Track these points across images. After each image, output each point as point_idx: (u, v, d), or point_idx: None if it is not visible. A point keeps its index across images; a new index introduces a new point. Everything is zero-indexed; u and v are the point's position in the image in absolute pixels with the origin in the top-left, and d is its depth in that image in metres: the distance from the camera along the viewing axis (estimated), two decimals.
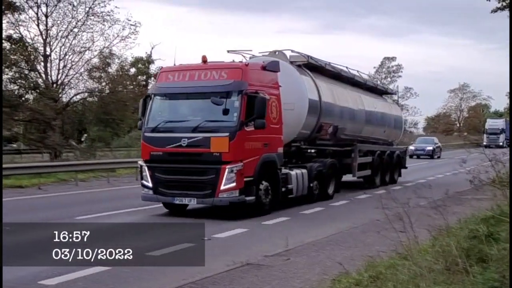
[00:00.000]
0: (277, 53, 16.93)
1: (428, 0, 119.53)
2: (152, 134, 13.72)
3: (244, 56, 16.40)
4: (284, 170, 15.16)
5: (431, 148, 46.42)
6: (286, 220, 13.37)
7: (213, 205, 13.30)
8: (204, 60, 14.00)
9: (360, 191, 19.55)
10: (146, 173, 13.70)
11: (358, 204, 16.69)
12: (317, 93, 17.04)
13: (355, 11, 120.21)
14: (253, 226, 12.33)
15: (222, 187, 12.95)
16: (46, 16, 33.76)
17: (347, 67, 20.19)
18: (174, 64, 14.41)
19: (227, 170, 12.91)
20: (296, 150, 16.64)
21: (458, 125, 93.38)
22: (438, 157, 46.37)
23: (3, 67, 30.50)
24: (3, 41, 31.11)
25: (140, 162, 13.87)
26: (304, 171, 15.99)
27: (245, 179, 13.13)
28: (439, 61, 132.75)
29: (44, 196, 18.58)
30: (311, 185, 16.12)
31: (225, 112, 13.13)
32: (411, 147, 46.86)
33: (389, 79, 75.70)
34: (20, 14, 33.10)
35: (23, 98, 34.05)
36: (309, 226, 12.64)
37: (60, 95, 34.58)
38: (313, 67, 17.83)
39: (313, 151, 17.43)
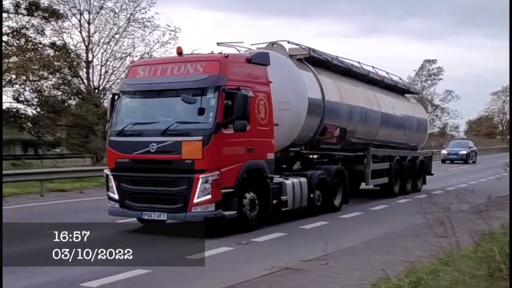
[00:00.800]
0: (274, 45, 14.93)
1: (468, 1, 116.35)
2: (117, 138, 11.85)
3: (237, 49, 14.49)
4: (277, 179, 13.14)
5: (465, 152, 43.57)
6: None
7: (185, 222, 11.34)
8: (179, 52, 12.09)
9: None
10: (112, 183, 11.83)
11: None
12: (320, 91, 14.97)
13: (395, 14, 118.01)
14: (291, 230, 12.10)
15: (195, 200, 10.99)
16: (89, 23, 34.71)
17: (359, 62, 18.03)
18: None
19: (200, 180, 10.94)
20: (295, 156, 14.59)
21: (500, 128, 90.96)
22: (474, 162, 43.64)
23: (46, 73, 32.04)
24: (47, 48, 32.96)
25: (106, 171, 12.01)
26: (304, 179, 13.94)
27: (223, 191, 11.15)
28: (480, 63, 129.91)
29: (85, 200, 18.58)
30: (312, 195, 14.05)
31: (201, 112, 11.18)
32: (444, 151, 44.24)
33: (429, 81, 74.12)
34: (64, 21, 34.01)
35: (66, 104, 34.56)
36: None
37: (101, 101, 34.62)
38: (318, 62, 15.79)
39: (316, 156, 15.35)
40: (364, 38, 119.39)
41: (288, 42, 15.17)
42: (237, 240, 10.82)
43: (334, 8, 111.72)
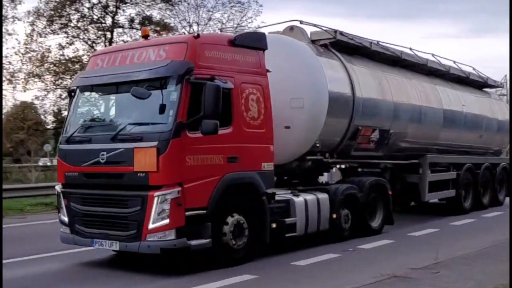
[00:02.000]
0: (292, 29, 12.03)
1: None
2: (66, 146, 9.40)
3: None
4: (281, 196, 10.28)
5: None
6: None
7: (139, 253, 8.66)
8: (145, 34, 9.51)
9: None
10: (62, 203, 9.42)
11: None
12: (350, 85, 11.89)
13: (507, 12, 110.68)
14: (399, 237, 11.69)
15: (150, 226, 8.32)
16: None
17: (410, 48, 14.66)
18: None
19: (155, 199, 8.28)
20: (313, 166, 11.61)
21: None
22: None
23: None
24: None
25: (57, 187, 9.59)
26: (323, 196, 10.96)
27: (188, 213, 8.41)
28: None
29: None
30: (335, 215, 11.03)
31: (159, 109, 8.56)
32: None
33: None
34: (174, 33, 33.32)
35: None
36: None
37: None
38: (353, 49, 12.73)
39: (343, 166, 12.31)
40: (475, 38, 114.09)
41: (315, 25, 12.26)
42: (343, 247, 10.54)
43: (441, 8, 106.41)
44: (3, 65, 28.26)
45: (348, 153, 12.17)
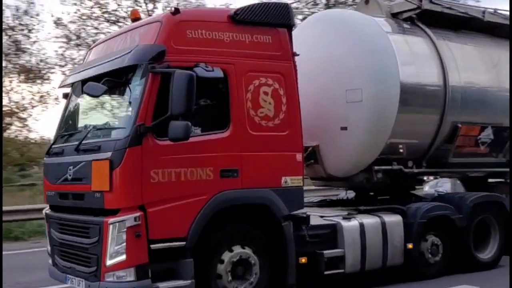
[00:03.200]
0: (368, 3, 9.38)
1: None
2: (47, 159, 7.76)
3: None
4: (326, 220, 7.75)
5: None
6: None
7: None
8: (134, 16, 7.58)
9: None
10: (46, 228, 7.83)
11: None
12: (440, 69, 8.89)
13: None
14: None
15: (108, 262, 6.32)
16: None
17: None
18: None
19: (110, 228, 6.28)
20: (388, 179, 8.77)
21: None
22: None
23: None
24: None
25: (46, 210, 7.99)
26: (394, 218, 8.17)
27: (156, 245, 6.29)
28: None
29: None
30: (411, 245, 8.17)
31: (122, 110, 6.64)
32: None
33: None
34: None
35: None
36: None
37: None
38: (451, 21, 9.64)
39: (432, 178, 9.29)
40: None
41: None
42: None
43: None
44: None
45: (445, 160, 9.12)
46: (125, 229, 6.18)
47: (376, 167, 8.53)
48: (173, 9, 6.69)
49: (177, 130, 6.19)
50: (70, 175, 6.93)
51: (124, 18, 24.26)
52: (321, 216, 8.00)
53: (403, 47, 8.64)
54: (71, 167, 6.87)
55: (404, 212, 8.32)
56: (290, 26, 7.42)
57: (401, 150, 8.72)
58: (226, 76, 6.79)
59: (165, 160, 6.40)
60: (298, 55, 7.43)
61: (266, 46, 7.19)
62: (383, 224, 8.00)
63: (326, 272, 7.47)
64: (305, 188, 7.47)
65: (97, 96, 6.61)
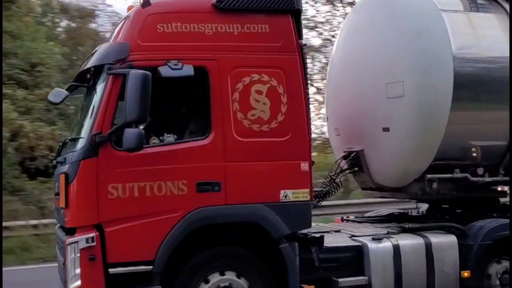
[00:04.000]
0: None
1: None
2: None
3: None
4: (344, 240, 6.49)
5: None
6: None
7: None
8: (128, 11, 6.92)
9: None
10: None
11: None
12: None
13: None
14: None
15: (69, 287, 5.73)
16: None
17: None
18: None
19: (68, 249, 5.66)
20: (444, 189, 7.14)
21: None
22: None
23: None
24: None
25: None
26: (445, 239, 6.64)
27: (115, 270, 5.56)
28: None
29: None
30: (466, 273, 6.56)
31: (85, 117, 6.02)
32: None
33: None
34: None
35: None
36: None
37: None
38: None
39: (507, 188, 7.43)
40: None
41: None
42: None
43: None
44: None
45: None
46: (78, 251, 5.54)
47: (429, 176, 7.00)
48: (141, 1, 5.91)
49: (128, 139, 5.41)
50: (54, 190, 6.49)
51: None
52: (351, 236, 6.72)
53: (463, 27, 7.03)
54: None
55: (463, 232, 6.72)
56: (295, 11, 6.29)
57: (474, 154, 7.11)
58: (206, 74, 5.88)
59: (125, 173, 5.65)
60: (305, 45, 6.27)
61: (261, 37, 6.14)
62: (428, 246, 6.50)
63: None
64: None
65: (57, 104, 6.06)
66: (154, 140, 5.87)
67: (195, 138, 5.92)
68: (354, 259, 6.37)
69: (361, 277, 6.28)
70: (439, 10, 7.05)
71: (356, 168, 7.42)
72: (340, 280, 6.19)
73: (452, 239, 6.64)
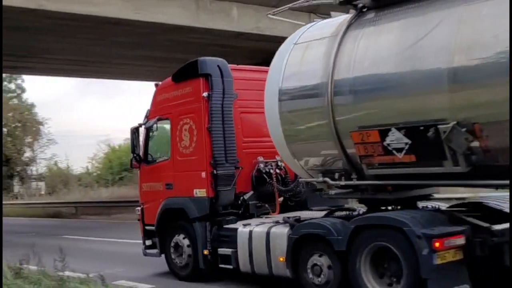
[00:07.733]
0: None
1: None
2: None
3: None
4: (242, 225, 9.46)
5: None
6: None
7: None
8: None
9: None
10: None
11: None
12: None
13: None
14: None
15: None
16: None
17: None
18: None
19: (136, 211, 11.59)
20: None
21: None
22: None
23: None
24: None
25: None
26: (280, 230, 8.50)
27: (147, 227, 11.05)
28: None
29: None
30: (283, 259, 8.26)
31: None
32: None
33: None
34: None
35: None
36: None
37: None
38: None
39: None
40: None
41: None
42: None
43: None
44: None
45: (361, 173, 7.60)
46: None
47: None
48: (154, 83, 10.88)
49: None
50: None
51: None
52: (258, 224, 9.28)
53: (296, 57, 8.29)
54: None
55: (293, 225, 8.32)
56: (205, 75, 9.71)
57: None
58: (170, 122, 10.36)
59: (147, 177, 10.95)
60: (208, 96, 9.60)
61: (187, 95, 10.08)
62: (267, 235, 8.64)
63: (220, 265, 9.37)
64: None
65: None
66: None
67: (167, 159, 10.46)
68: (232, 237, 9.25)
69: (228, 249, 9.21)
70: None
71: None
72: (219, 249, 9.38)
73: (284, 230, 8.36)
